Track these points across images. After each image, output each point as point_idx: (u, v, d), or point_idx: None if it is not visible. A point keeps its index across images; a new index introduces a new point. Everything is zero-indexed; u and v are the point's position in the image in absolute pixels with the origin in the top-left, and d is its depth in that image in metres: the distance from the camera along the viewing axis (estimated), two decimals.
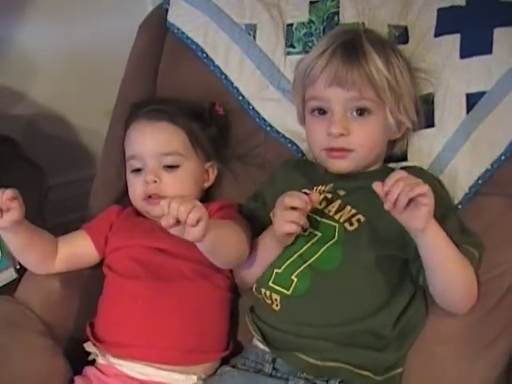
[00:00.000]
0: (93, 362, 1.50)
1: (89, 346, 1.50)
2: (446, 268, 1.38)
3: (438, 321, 1.49)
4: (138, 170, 1.59)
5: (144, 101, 1.72)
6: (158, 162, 1.57)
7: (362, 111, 1.48)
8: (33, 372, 1.45)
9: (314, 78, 1.51)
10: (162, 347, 1.44)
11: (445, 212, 1.44)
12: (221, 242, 1.41)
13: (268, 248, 1.49)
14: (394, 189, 1.26)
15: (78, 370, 1.49)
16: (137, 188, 1.59)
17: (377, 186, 1.28)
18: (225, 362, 1.52)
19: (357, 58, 1.47)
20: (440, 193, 1.50)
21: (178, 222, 1.27)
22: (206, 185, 1.68)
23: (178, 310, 1.47)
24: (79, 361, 1.51)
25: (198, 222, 1.26)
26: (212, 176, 1.68)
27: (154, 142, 1.58)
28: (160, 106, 1.64)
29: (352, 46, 1.49)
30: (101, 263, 1.60)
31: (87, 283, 1.62)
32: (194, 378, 1.45)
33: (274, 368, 1.43)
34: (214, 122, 1.69)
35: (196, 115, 1.65)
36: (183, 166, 1.59)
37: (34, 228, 1.51)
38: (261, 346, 1.47)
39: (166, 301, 1.47)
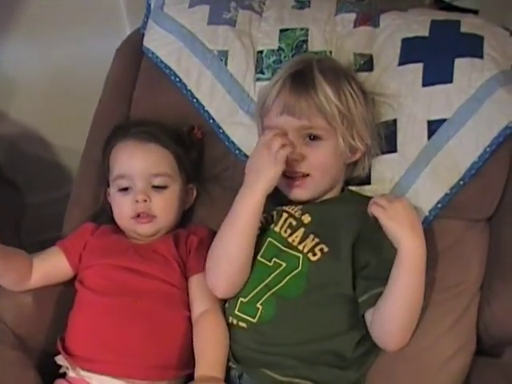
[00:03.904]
0: (64, 375, 1.52)
1: (60, 360, 1.52)
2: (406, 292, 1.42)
3: None
4: (125, 189, 1.61)
5: (129, 122, 1.76)
6: (147, 182, 1.60)
7: (314, 137, 1.51)
8: None
9: (267, 108, 1.56)
10: (128, 363, 1.46)
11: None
12: (225, 359, 1.47)
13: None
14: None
15: (48, 383, 1.51)
16: (125, 206, 1.61)
17: None
18: (191, 377, 1.52)
19: (305, 88, 1.50)
20: None
21: None
22: (187, 206, 1.71)
23: (144, 327, 1.49)
24: (50, 374, 1.52)
25: None
26: (192, 197, 1.72)
27: (144, 163, 1.61)
28: (148, 128, 1.66)
29: (302, 75, 1.53)
30: (74, 278, 1.62)
31: (60, 298, 1.64)
32: None
33: None
34: (193, 146, 1.72)
35: (179, 138, 1.68)
36: (171, 187, 1.62)
37: (8, 251, 1.53)
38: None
39: (133, 318, 1.49)
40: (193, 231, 1.65)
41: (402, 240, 1.40)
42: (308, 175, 1.53)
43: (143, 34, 1.88)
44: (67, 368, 1.51)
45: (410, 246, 1.40)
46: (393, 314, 1.43)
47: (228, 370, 1.48)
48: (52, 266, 1.61)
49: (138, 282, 1.54)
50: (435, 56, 1.63)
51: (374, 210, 1.42)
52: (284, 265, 1.50)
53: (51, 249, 1.64)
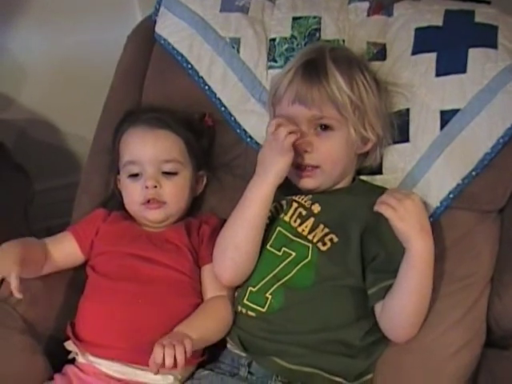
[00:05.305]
0: (73, 361, 1.52)
1: (69, 345, 1.52)
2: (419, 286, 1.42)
3: None
4: (135, 175, 1.61)
5: (139, 109, 1.75)
6: (157, 169, 1.59)
7: (325, 127, 1.51)
8: (12, 369, 1.48)
9: (279, 96, 1.55)
10: (137, 349, 1.45)
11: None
12: (208, 338, 1.48)
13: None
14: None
15: (58, 369, 1.51)
16: (135, 192, 1.60)
17: None
18: (200, 365, 1.53)
19: (317, 77, 1.50)
20: None
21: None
22: (197, 193, 1.71)
23: (153, 314, 1.49)
24: (59, 359, 1.53)
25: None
26: (202, 185, 1.71)
27: (155, 149, 1.60)
28: (159, 114, 1.65)
29: (314, 64, 1.52)
30: (84, 263, 1.62)
31: (70, 283, 1.64)
32: (171, 377, 1.46)
33: (249, 372, 1.46)
34: (204, 133, 1.71)
35: (190, 125, 1.67)
36: (181, 174, 1.62)
37: (27, 250, 1.50)
38: (236, 350, 1.49)
39: (144, 305, 1.49)
40: (205, 220, 1.65)
41: (412, 241, 1.39)
42: (318, 167, 1.53)
43: (155, 21, 1.87)
44: (76, 353, 1.51)
45: (419, 247, 1.39)
46: (402, 310, 1.43)
47: (237, 358, 1.49)
48: (63, 252, 1.61)
49: (150, 270, 1.54)
50: (449, 46, 1.63)
51: (383, 210, 1.40)
52: (293, 254, 1.50)
53: (62, 234, 1.64)
